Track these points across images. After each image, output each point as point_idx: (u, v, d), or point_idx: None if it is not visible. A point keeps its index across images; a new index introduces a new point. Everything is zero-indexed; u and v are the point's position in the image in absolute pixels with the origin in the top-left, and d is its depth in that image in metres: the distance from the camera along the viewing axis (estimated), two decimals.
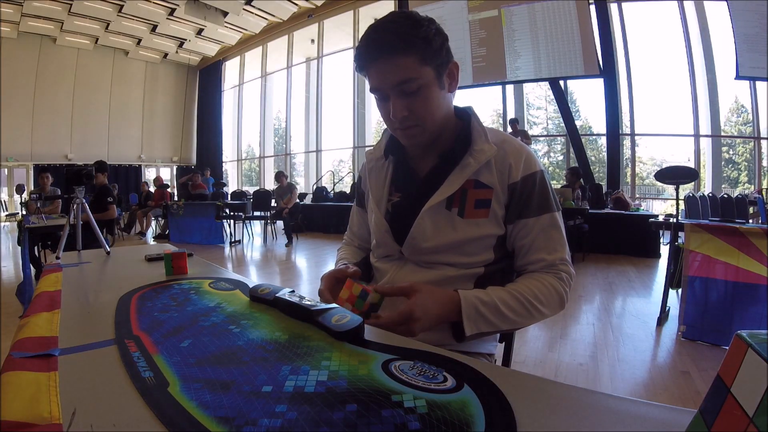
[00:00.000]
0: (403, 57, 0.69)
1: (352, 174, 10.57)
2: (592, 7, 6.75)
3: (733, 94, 8.56)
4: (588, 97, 11.29)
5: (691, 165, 7.10)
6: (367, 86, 0.77)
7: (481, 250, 0.79)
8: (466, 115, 0.82)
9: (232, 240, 6.58)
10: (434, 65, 0.72)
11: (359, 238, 1.00)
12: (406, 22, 0.70)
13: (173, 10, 10.29)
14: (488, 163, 0.77)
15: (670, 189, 3.15)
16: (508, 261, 0.83)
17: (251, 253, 5.97)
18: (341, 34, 10.58)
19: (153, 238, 7.44)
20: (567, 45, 6.82)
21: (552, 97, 7.60)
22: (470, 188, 0.77)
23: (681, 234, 2.58)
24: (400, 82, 0.70)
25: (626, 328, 2.62)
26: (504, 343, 0.94)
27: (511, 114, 8.88)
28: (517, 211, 0.78)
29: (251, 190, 9.23)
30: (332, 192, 8.74)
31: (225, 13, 10.74)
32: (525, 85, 8.56)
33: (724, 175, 9.27)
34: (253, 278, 2.12)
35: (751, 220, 4.55)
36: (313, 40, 11.22)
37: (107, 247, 1.38)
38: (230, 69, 13.68)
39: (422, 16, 0.73)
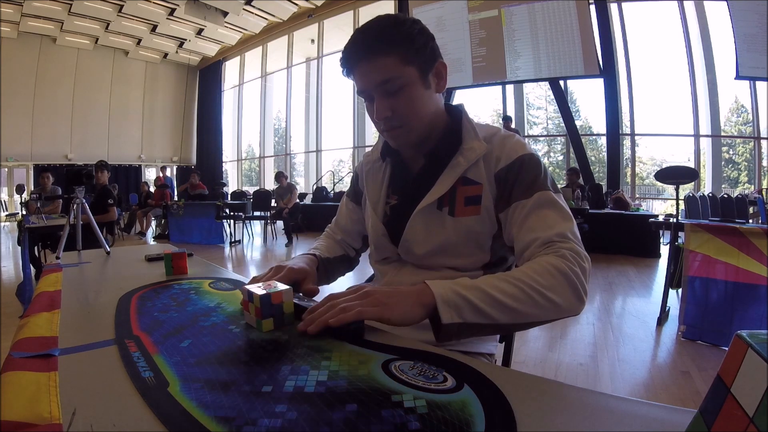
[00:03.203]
0: (384, 57, 0.69)
1: (352, 174, 10.55)
2: (592, 7, 6.76)
3: (733, 94, 8.56)
4: (588, 97, 11.28)
5: (691, 165, 7.10)
6: None
7: (475, 250, 0.76)
8: (457, 113, 0.81)
9: (232, 240, 6.57)
10: (417, 64, 0.71)
11: (342, 231, 0.97)
12: (387, 23, 0.70)
13: (173, 10, 10.28)
14: (476, 160, 0.75)
15: (670, 189, 3.15)
16: (507, 263, 0.82)
17: (251, 253, 5.97)
18: (341, 34, 10.58)
19: (153, 238, 7.44)
20: (567, 45, 6.82)
21: (552, 97, 7.60)
22: (459, 185, 0.76)
23: (681, 234, 2.58)
24: (382, 81, 0.70)
25: (626, 328, 2.62)
26: (504, 343, 0.94)
27: (511, 114, 8.88)
28: (506, 197, 0.72)
29: (251, 190, 9.23)
30: (332, 192, 8.74)
31: (225, 13, 10.73)
32: (525, 85, 8.55)
33: (724, 175, 9.26)
34: None
35: (751, 220, 4.55)
36: (313, 40, 11.21)
37: (107, 247, 1.38)
38: (230, 69, 13.67)
39: (407, 17, 0.73)
